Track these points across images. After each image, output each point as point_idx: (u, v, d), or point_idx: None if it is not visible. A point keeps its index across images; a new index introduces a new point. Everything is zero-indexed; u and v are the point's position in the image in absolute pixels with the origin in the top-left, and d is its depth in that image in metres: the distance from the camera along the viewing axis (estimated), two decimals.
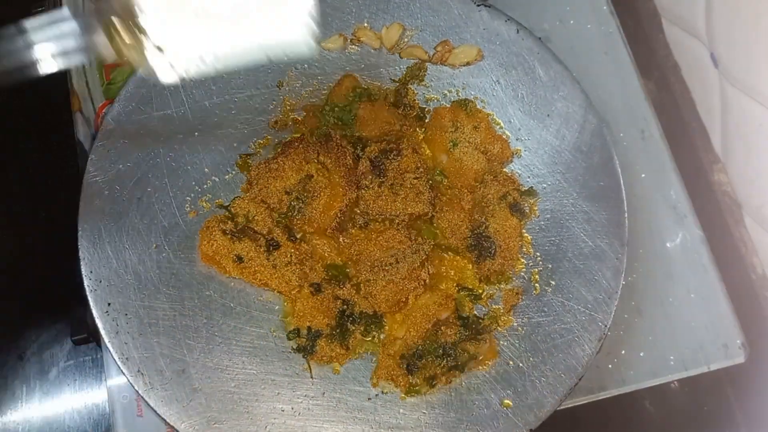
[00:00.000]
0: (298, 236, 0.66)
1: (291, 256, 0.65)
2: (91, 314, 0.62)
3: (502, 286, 0.66)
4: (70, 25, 0.48)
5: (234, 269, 0.64)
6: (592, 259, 0.65)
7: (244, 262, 0.64)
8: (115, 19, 0.48)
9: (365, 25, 0.71)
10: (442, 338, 0.63)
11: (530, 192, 0.68)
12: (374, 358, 0.64)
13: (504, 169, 0.68)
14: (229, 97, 0.69)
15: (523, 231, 0.67)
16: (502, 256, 0.65)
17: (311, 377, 0.63)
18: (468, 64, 0.70)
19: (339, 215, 0.66)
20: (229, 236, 0.64)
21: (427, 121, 0.70)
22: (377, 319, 0.65)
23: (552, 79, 0.69)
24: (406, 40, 0.70)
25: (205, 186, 0.67)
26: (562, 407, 0.63)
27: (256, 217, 0.66)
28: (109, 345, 0.61)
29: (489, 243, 0.65)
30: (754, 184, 0.75)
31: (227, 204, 0.67)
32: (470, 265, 0.66)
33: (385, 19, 0.71)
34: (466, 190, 0.68)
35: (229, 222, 0.65)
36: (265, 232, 0.65)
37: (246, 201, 0.66)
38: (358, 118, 0.69)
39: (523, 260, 0.66)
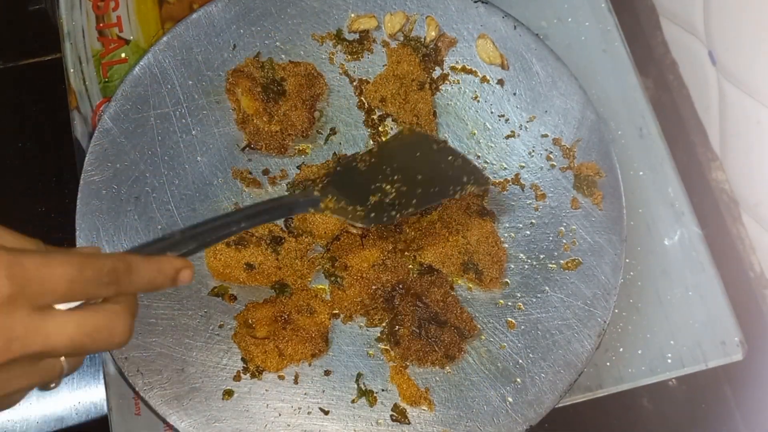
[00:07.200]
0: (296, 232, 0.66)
1: (296, 251, 0.65)
2: None
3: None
4: None
5: (247, 278, 0.64)
6: (591, 255, 0.65)
7: (255, 269, 0.64)
8: None
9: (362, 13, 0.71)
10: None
11: (484, 189, 0.67)
12: (374, 356, 0.64)
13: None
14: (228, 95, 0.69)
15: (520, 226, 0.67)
16: (494, 261, 0.65)
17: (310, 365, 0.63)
18: (491, 62, 0.70)
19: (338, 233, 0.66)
20: (233, 246, 0.64)
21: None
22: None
23: (550, 75, 0.69)
24: (409, 27, 0.70)
25: (204, 186, 0.67)
26: (560, 405, 0.63)
27: None
28: None
29: (478, 258, 0.65)
30: (752, 182, 0.75)
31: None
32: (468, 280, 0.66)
33: (381, 15, 0.71)
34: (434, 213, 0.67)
35: None
36: (266, 233, 0.65)
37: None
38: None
39: (522, 256, 0.66)
